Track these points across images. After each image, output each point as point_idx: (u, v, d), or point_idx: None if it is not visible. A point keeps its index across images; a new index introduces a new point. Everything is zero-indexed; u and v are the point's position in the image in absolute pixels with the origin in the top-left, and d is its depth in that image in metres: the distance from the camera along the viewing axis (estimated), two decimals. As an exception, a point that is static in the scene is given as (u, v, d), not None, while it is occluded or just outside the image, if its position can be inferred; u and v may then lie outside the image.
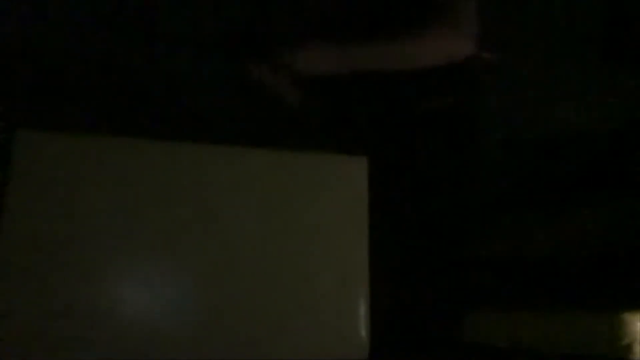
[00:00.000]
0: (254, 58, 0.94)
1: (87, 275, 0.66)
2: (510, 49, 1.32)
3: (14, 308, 0.63)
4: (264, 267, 0.71)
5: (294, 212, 0.73)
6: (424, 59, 0.92)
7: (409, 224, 0.99)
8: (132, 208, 0.68)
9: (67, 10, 1.16)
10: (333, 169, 0.77)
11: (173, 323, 0.67)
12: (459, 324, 1.06)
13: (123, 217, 0.68)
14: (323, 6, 0.98)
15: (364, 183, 0.77)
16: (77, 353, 0.65)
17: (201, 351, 0.68)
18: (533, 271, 1.16)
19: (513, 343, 1.03)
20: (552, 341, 0.97)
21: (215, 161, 0.73)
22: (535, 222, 1.20)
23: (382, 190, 0.79)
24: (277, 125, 1.04)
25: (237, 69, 1.09)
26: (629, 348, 0.88)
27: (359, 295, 0.74)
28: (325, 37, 0.93)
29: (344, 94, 1.01)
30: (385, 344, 0.77)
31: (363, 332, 0.73)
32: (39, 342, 0.64)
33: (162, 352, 0.67)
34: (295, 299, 0.72)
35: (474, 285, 1.12)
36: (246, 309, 0.70)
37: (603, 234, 1.10)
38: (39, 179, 0.66)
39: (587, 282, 1.07)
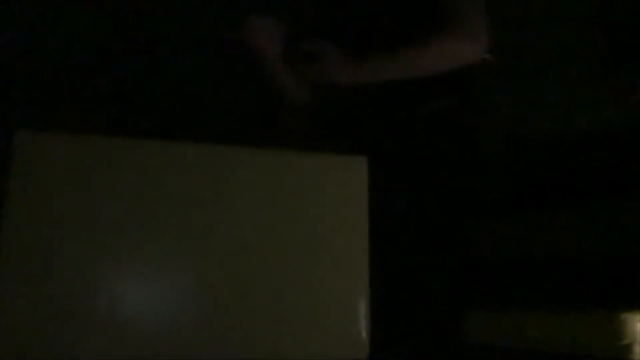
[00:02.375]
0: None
1: (87, 275, 0.66)
2: (512, 51, 1.32)
3: (14, 308, 0.63)
4: (264, 267, 0.71)
5: (294, 212, 0.73)
6: (435, 67, 0.92)
7: (409, 223, 0.99)
8: (132, 208, 0.68)
9: (66, 11, 1.16)
10: (333, 169, 0.77)
11: (173, 323, 0.67)
12: (459, 324, 1.06)
13: (123, 217, 0.68)
14: (338, 19, 0.99)
15: (364, 183, 0.77)
16: (77, 353, 0.65)
17: (201, 351, 0.68)
18: (534, 271, 1.17)
19: (513, 343, 1.03)
20: (552, 341, 0.97)
21: (216, 161, 0.73)
22: (536, 223, 1.20)
23: (382, 190, 0.79)
24: (277, 125, 1.04)
25: (238, 68, 1.09)
26: (629, 348, 0.88)
27: (359, 295, 0.74)
28: (341, 49, 0.94)
29: (345, 94, 1.01)
30: (385, 344, 0.77)
31: (363, 332, 0.73)
32: (39, 342, 0.64)
33: (162, 352, 0.67)
34: (295, 299, 0.72)
35: (474, 285, 1.12)
36: (246, 309, 0.70)
37: (603, 234, 1.11)
38: (39, 179, 0.66)
39: (587, 282, 1.07)
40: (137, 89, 1.15)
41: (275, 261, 0.72)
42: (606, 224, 1.11)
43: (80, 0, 1.17)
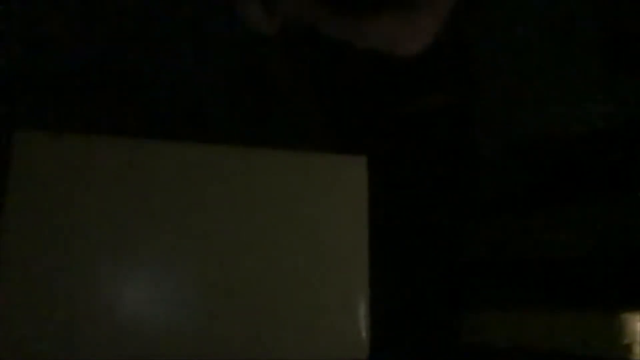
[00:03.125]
0: None
1: (87, 275, 0.66)
2: (510, 50, 1.32)
3: (13, 308, 0.63)
4: (263, 267, 0.71)
5: (294, 212, 0.73)
6: (367, 41, 0.90)
7: (409, 224, 0.99)
8: (133, 208, 0.68)
9: (66, 10, 1.16)
10: (333, 169, 0.77)
11: (173, 323, 0.67)
12: (458, 324, 1.06)
13: (123, 218, 0.68)
14: None
15: (364, 183, 0.77)
16: (76, 353, 0.65)
17: (201, 351, 0.68)
18: (533, 271, 1.17)
19: (513, 343, 1.03)
20: (552, 341, 0.97)
21: (215, 161, 0.73)
22: (536, 223, 1.21)
23: (382, 190, 0.79)
24: (277, 125, 1.04)
25: (238, 68, 1.09)
26: (629, 348, 0.88)
27: (359, 295, 0.74)
28: None
29: (344, 93, 1.01)
30: (385, 344, 0.77)
31: (363, 332, 0.73)
32: (39, 342, 0.64)
33: (162, 352, 0.67)
34: (295, 299, 0.72)
35: (473, 285, 1.12)
36: (246, 308, 0.70)
37: (603, 234, 1.11)
38: (39, 179, 0.66)
39: (587, 282, 1.07)
40: (137, 88, 1.15)
41: (274, 261, 0.72)
42: (606, 224, 1.11)
43: (80, 0, 1.17)
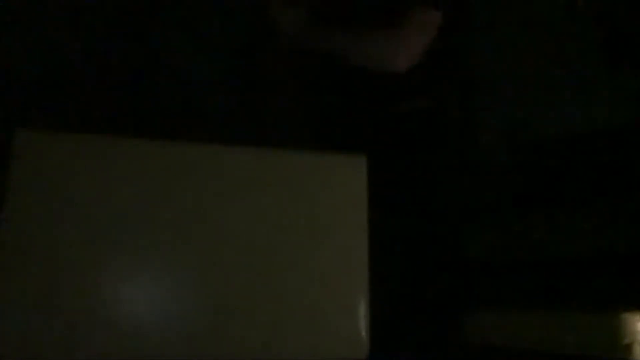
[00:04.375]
0: None
1: (86, 274, 0.66)
2: (511, 49, 1.32)
3: (13, 308, 0.63)
4: (264, 267, 0.71)
5: (294, 212, 0.73)
6: (359, 57, 0.91)
7: (409, 224, 0.99)
8: (132, 207, 0.68)
9: (67, 10, 1.16)
10: (333, 169, 0.77)
11: (173, 323, 0.67)
12: (459, 324, 1.06)
13: (123, 217, 0.68)
14: None
15: (363, 182, 0.77)
16: (76, 353, 0.65)
17: (201, 351, 0.68)
18: (533, 271, 1.17)
19: (513, 343, 1.03)
20: (552, 341, 0.97)
21: (215, 161, 0.73)
22: (536, 223, 1.21)
23: (381, 190, 0.79)
24: (276, 125, 1.04)
25: (238, 68, 1.09)
26: (629, 348, 0.88)
27: (359, 295, 0.74)
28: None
29: (343, 93, 1.01)
30: (385, 344, 0.77)
31: (363, 332, 0.73)
32: (39, 342, 0.64)
33: (162, 352, 0.67)
34: (295, 299, 0.72)
35: (474, 285, 1.12)
36: (246, 309, 0.70)
37: (603, 234, 1.11)
38: (39, 178, 0.66)
39: (587, 282, 1.07)
40: (137, 88, 1.15)
41: (274, 261, 0.72)
42: (606, 224, 1.11)
43: (80, 1, 1.17)
